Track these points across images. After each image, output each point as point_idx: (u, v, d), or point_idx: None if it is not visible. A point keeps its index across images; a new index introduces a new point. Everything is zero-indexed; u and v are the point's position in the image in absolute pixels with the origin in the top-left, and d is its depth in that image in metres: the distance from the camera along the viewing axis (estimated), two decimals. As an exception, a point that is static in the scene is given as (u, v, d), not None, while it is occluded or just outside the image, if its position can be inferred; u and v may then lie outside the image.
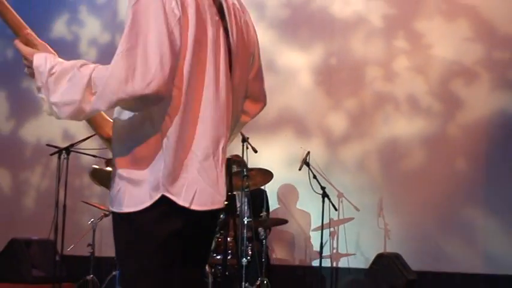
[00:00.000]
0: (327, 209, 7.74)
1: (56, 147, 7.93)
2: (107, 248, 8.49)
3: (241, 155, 7.53)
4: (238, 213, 7.44)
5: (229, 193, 6.77)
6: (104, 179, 6.83)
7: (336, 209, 7.93)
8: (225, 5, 3.17)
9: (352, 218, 8.22)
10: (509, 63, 8.21)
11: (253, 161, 7.63)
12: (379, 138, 8.53)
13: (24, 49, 3.03)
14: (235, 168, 7.21)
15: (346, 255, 8.34)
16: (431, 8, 8.48)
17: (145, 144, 3.01)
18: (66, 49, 9.61)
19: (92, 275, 7.78)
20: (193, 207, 2.98)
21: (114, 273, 7.46)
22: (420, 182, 8.33)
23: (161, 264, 3.05)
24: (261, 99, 3.51)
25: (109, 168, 7.04)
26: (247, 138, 7.52)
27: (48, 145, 8.09)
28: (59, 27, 9.88)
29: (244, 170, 7.30)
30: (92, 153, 8.09)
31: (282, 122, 8.80)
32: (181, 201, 2.96)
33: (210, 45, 3.10)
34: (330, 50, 8.77)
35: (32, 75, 3.01)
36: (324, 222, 7.74)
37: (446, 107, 8.35)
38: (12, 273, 8.36)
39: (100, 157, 7.99)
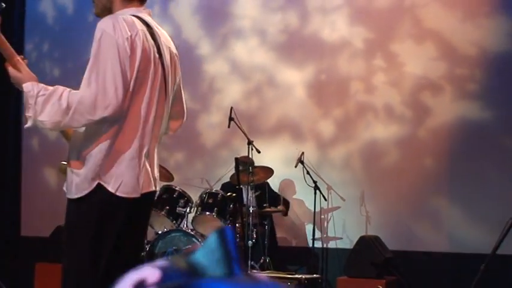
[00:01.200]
0: (318, 199, 7.94)
1: None
2: None
3: (248, 156, 7.70)
4: (245, 203, 7.56)
5: (237, 186, 7.24)
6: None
7: (325, 199, 8.20)
8: (162, 46, 3.64)
9: (339, 207, 8.37)
10: (467, 78, 8.30)
11: (257, 160, 7.80)
12: (361, 140, 8.63)
13: (15, 74, 3.40)
14: (241, 167, 7.33)
15: (334, 238, 8.48)
16: (404, 33, 8.56)
17: (90, 148, 3.45)
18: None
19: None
20: (118, 194, 3.44)
21: (142, 254, 7.50)
22: (395, 177, 8.44)
23: (93, 237, 3.48)
24: (180, 116, 4.01)
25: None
26: (252, 141, 7.73)
27: None
28: None
29: (250, 167, 7.53)
30: None
31: (281, 127, 8.91)
32: (110, 188, 3.43)
33: (151, 76, 3.56)
34: (320, 68, 8.85)
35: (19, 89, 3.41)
36: (316, 210, 7.98)
37: (416, 114, 8.44)
38: (57, 256, 8.55)
39: None
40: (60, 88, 3.36)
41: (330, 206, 8.38)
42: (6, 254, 9.20)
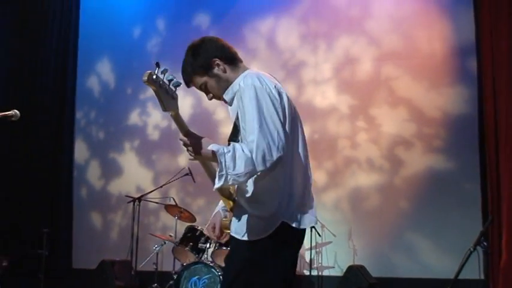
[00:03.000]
0: (314, 235, 7.93)
1: (131, 197, 8.14)
2: (166, 265, 8.54)
3: None
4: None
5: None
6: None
7: (319, 235, 8.15)
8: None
9: (331, 242, 8.30)
10: (433, 136, 8.35)
11: None
12: (348, 187, 8.67)
13: (197, 138, 3.05)
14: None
15: (328, 267, 8.40)
16: (381, 100, 8.63)
17: (268, 191, 3.11)
18: (139, 132, 10.02)
19: (155, 284, 7.81)
20: (301, 227, 3.16)
21: (170, 282, 7.51)
22: (377, 216, 8.45)
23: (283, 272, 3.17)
24: None
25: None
26: None
27: (126, 196, 8.33)
28: (134, 117, 10.07)
29: None
30: (155, 201, 8.36)
31: None
32: (294, 224, 3.12)
33: (299, 120, 3.31)
34: (313, 129, 8.86)
35: (197, 156, 3.03)
36: (312, 245, 7.99)
37: (392, 165, 8.50)
38: (102, 284, 8.39)
39: (160, 203, 8.38)
40: (236, 143, 3.04)
41: (323, 241, 8.30)
42: (60, 282, 9.19)
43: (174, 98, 2.97)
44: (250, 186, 3.13)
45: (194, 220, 7.94)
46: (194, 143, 3.02)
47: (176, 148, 9.13)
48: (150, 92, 9.71)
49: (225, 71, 3.29)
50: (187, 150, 3.05)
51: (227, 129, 9.47)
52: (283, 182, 3.12)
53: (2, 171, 9.71)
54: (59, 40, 10.38)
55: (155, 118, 9.84)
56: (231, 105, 3.30)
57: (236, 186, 3.22)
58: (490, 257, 7.20)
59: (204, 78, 3.30)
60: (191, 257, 7.46)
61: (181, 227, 7.92)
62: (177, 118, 3.02)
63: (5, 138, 9.39)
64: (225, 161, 2.93)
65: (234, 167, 2.92)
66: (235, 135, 3.21)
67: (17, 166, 9.88)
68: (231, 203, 3.30)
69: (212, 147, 2.98)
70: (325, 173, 8.83)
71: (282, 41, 9.36)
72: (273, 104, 3.05)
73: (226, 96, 3.30)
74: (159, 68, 2.87)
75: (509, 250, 7.12)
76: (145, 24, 10.13)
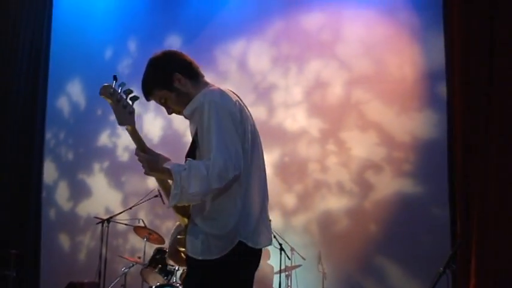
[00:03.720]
0: (283, 258, 7.90)
1: (100, 218, 8.07)
2: (134, 287, 8.41)
3: None
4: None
5: None
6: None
7: (289, 259, 8.08)
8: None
9: (301, 265, 8.18)
10: (403, 160, 8.35)
11: None
12: (318, 210, 8.63)
13: (153, 155, 3.05)
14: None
15: None
16: (351, 123, 8.63)
17: (223, 210, 3.07)
18: (108, 153, 9.98)
19: (123, 306, 7.63)
20: (257, 247, 3.16)
21: None
22: (346, 240, 8.40)
23: None
24: None
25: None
26: None
27: (95, 217, 8.30)
28: (104, 139, 10.03)
29: None
30: (123, 223, 8.29)
31: None
32: (250, 243, 3.10)
33: (258, 138, 3.31)
34: (284, 152, 8.89)
35: (151, 173, 3.03)
36: (281, 268, 7.94)
37: (362, 189, 8.48)
38: None
39: (129, 225, 8.32)
40: (193, 160, 3.01)
41: (292, 264, 8.23)
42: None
43: (131, 113, 3.01)
44: (205, 204, 3.08)
45: (163, 242, 7.91)
46: (150, 159, 3.01)
47: (146, 170, 9.04)
48: (120, 113, 9.79)
49: (185, 86, 3.26)
50: (143, 166, 3.03)
51: (197, 151, 9.33)
52: (240, 200, 3.08)
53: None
54: (30, 60, 10.31)
55: (125, 140, 9.79)
56: (190, 120, 3.28)
57: (192, 208, 3.17)
58: (458, 281, 7.18)
59: (164, 92, 3.27)
60: (160, 279, 7.43)
61: (150, 249, 7.87)
62: (134, 133, 3.03)
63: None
64: (180, 180, 2.90)
65: (189, 186, 2.89)
66: (193, 151, 3.15)
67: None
68: (185, 219, 3.23)
69: (167, 165, 2.97)
70: (295, 196, 8.82)
71: (253, 64, 9.39)
72: (233, 121, 3.03)
73: (186, 111, 3.27)
74: (116, 81, 2.93)
75: (477, 274, 7.12)
76: (116, 45, 10.12)
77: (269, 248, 8.01)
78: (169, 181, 3.06)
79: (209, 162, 2.89)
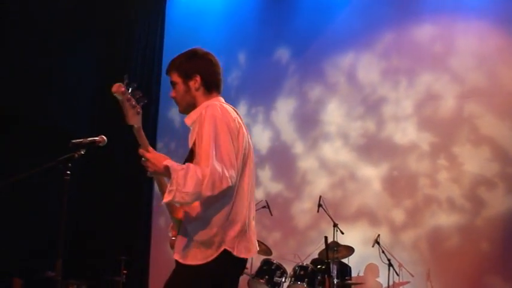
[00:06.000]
0: (391, 275, 7.82)
1: None
2: None
3: (333, 237, 7.74)
4: (332, 275, 7.49)
5: (326, 260, 7.17)
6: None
7: (397, 275, 8.01)
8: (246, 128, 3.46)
9: (409, 282, 8.17)
10: None
11: (341, 240, 7.86)
12: (427, 226, 8.53)
13: (155, 153, 3.22)
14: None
15: None
16: (463, 138, 8.53)
17: (211, 218, 3.25)
18: None
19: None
20: (241, 256, 3.31)
21: None
22: (456, 257, 8.28)
23: None
24: None
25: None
26: (337, 224, 7.85)
27: None
28: None
29: (335, 246, 7.61)
30: None
31: (360, 214, 8.87)
32: (235, 252, 3.28)
33: (251, 154, 3.48)
34: (393, 165, 8.86)
35: (158, 172, 3.18)
36: (389, 284, 7.84)
37: (473, 205, 8.35)
38: None
39: None
40: (191, 164, 3.16)
41: (400, 280, 8.18)
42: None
43: (138, 114, 3.20)
44: (196, 211, 3.28)
45: (270, 253, 8.00)
46: (155, 157, 3.18)
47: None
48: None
49: (197, 90, 3.54)
50: (147, 166, 3.19)
51: (305, 163, 9.44)
52: (228, 210, 3.27)
53: (84, 197, 9.90)
54: (143, 70, 10.63)
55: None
56: (191, 129, 3.48)
57: (184, 212, 3.36)
58: None
59: (179, 79, 3.56)
60: (266, 291, 7.49)
61: (257, 260, 7.96)
62: (139, 132, 3.21)
63: (90, 163, 9.57)
64: (177, 178, 3.07)
65: (184, 184, 3.05)
66: (190, 161, 3.31)
67: (99, 193, 10.10)
68: (178, 221, 3.48)
69: (167, 162, 3.14)
70: (404, 212, 8.76)
71: (362, 76, 9.38)
72: (230, 136, 3.24)
73: (188, 119, 3.53)
74: (128, 82, 3.11)
75: None
76: (226, 57, 10.27)
77: (377, 263, 8.28)
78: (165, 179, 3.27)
79: (206, 169, 3.08)
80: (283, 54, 9.92)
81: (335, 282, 7.47)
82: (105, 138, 4.26)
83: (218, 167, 3.09)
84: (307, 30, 9.83)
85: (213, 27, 10.55)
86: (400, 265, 8.29)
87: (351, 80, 9.44)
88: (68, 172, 4.12)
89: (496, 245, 8.20)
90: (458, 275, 8.29)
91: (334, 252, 7.59)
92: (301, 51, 9.83)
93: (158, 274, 9.93)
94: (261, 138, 9.81)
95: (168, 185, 3.13)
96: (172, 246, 3.56)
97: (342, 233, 7.92)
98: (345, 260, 8.16)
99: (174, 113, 10.60)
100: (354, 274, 8.53)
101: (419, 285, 8.33)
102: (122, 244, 9.73)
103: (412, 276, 8.19)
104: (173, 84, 3.58)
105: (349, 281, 8.05)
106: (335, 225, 7.88)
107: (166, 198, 3.11)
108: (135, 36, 10.78)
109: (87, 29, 10.02)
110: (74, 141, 4.16)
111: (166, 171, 3.14)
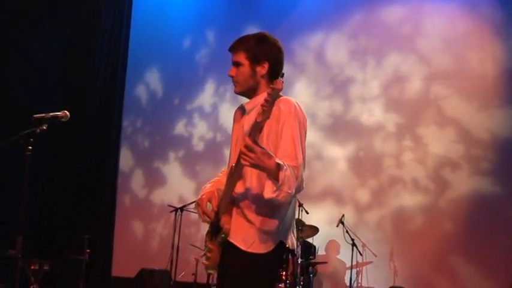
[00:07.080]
0: (355, 254, 7.97)
1: (173, 207, 8.34)
2: (205, 277, 8.08)
3: (298, 216, 7.74)
4: (296, 254, 7.76)
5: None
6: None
7: (361, 254, 8.14)
8: None
9: (372, 261, 8.25)
10: (481, 158, 8.32)
11: (305, 219, 7.91)
12: (392, 207, 8.63)
13: (268, 156, 2.97)
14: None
15: (368, 287, 8.30)
16: (429, 119, 8.62)
17: (277, 212, 3.20)
18: (184, 142, 10.20)
19: (194, 294, 7.72)
20: (292, 248, 3.28)
21: None
22: (419, 238, 8.40)
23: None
24: None
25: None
26: (302, 204, 7.83)
27: (168, 205, 8.57)
28: (180, 128, 10.22)
29: (299, 226, 7.58)
30: (196, 212, 8.62)
31: (326, 193, 8.93)
32: (289, 244, 3.24)
33: None
34: (359, 146, 8.91)
35: (260, 166, 2.96)
36: (353, 264, 8.00)
37: (438, 187, 8.45)
38: None
39: None
40: (286, 164, 3.04)
41: (364, 260, 8.26)
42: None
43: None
44: (261, 202, 3.17)
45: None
46: (263, 153, 2.95)
47: (220, 160, 9.21)
48: (196, 103, 9.97)
49: (262, 76, 3.36)
50: (246, 156, 2.94)
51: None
52: (288, 206, 3.26)
53: (46, 174, 9.83)
54: (110, 48, 10.55)
55: (201, 129, 9.98)
56: (246, 114, 3.37)
57: (248, 198, 3.27)
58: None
59: (245, 61, 3.37)
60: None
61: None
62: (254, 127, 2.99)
63: (53, 139, 9.48)
64: (284, 178, 2.98)
65: (290, 186, 3.00)
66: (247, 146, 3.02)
67: (62, 170, 10.02)
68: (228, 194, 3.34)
69: (277, 160, 2.99)
70: (369, 192, 8.85)
71: (330, 57, 9.42)
72: (305, 136, 3.25)
73: (248, 104, 3.39)
74: None
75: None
76: (195, 35, 10.28)
77: (340, 242, 8.35)
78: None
79: (298, 172, 3.07)
80: (252, 32, 9.82)
81: (299, 261, 7.46)
82: (67, 113, 4.20)
83: (303, 171, 3.13)
84: (277, 8, 9.83)
85: (181, 5, 10.49)
86: (363, 245, 8.34)
87: (319, 60, 9.47)
88: (30, 147, 4.08)
89: (459, 225, 8.33)
90: (421, 255, 8.39)
91: (299, 231, 7.59)
92: (270, 30, 9.45)
93: (122, 253, 9.98)
94: (228, 116, 9.75)
95: (272, 183, 3.00)
96: (224, 232, 3.32)
97: (307, 213, 7.96)
98: (309, 240, 8.21)
99: (140, 90, 10.55)
100: (320, 253, 8.61)
101: (382, 265, 8.43)
102: (86, 223, 9.66)
103: (376, 256, 8.26)
104: (236, 64, 3.38)
105: (313, 260, 8.08)
106: (300, 205, 7.88)
107: (273, 194, 3.01)
108: (102, 12, 10.67)
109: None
110: (35, 115, 4.11)
111: (272, 169, 2.98)
